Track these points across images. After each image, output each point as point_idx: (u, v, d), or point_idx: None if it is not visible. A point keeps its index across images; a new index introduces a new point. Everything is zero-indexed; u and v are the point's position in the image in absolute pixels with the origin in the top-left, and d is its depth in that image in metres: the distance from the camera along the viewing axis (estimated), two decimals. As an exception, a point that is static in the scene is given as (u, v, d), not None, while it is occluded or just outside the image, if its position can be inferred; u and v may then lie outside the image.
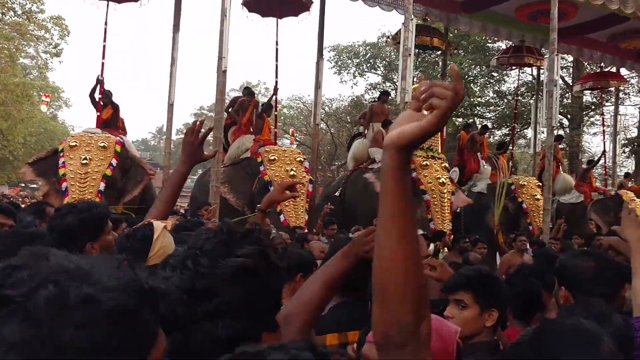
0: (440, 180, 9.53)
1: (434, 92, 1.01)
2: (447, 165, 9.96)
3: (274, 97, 11.56)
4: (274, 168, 9.03)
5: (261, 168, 9.00)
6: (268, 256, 1.10)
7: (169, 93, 10.50)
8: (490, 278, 1.94)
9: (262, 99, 20.91)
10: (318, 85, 11.81)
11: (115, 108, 9.78)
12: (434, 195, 9.44)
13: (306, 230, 8.41)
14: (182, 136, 2.54)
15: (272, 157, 9.03)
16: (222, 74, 8.59)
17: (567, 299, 1.92)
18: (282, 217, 8.68)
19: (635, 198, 11.76)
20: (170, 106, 10.52)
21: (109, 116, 9.61)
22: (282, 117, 32.38)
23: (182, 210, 11.85)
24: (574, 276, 1.92)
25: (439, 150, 10.19)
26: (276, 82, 11.14)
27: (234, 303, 1.02)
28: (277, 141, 11.48)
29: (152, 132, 62.42)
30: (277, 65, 11.06)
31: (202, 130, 2.41)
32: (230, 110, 10.94)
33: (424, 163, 9.57)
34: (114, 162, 8.25)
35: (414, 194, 9.22)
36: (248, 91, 11.17)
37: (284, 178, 8.86)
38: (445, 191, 9.54)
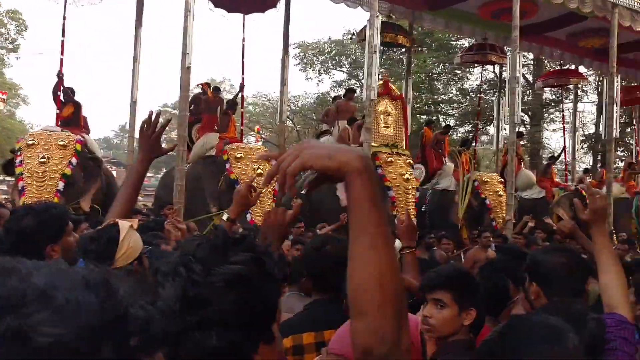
0: (405, 177, 9.61)
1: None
2: (411, 161, 10.05)
3: (240, 94, 11.45)
4: (241, 166, 8.94)
5: (227, 166, 8.90)
6: (263, 264, 1.04)
7: (131, 90, 10.28)
8: (469, 277, 1.94)
9: (227, 96, 20.71)
10: (284, 82, 11.75)
11: (77, 106, 9.54)
12: (399, 192, 9.51)
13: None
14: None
15: (239, 155, 8.94)
16: (186, 70, 8.45)
17: (538, 295, 1.93)
18: (248, 216, 8.61)
19: (594, 193, 12.08)
20: (134, 103, 10.31)
21: (70, 114, 9.36)
22: (247, 114, 32.15)
23: (144, 210, 11.64)
24: (545, 272, 1.93)
25: (404, 147, 10.26)
26: (242, 79, 11.06)
27: (226, 312, 0.97)
28: (243, 139, 11.39)
29: (115, 130, 61.09)
30: (243, 62, 10.97)
31: (160, 120, 2.27)
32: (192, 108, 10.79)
33: (389, 159, 9.63)
34: (73, 160, 8.05)
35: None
36: (215, 88, 11.02)
37: (251, 176, 8.79)
38: (409, 187, 9.62)
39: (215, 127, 10.28)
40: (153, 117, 2.25)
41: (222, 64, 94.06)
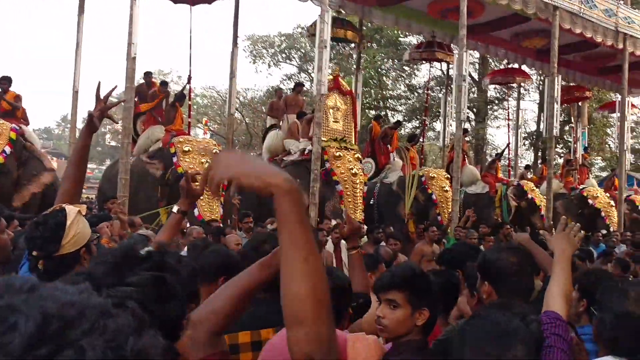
0: (353, 171, 9.65)
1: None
2: (359, 156, 10.11)
3: (187, 86, 11.22)
4: (188, 159, 8.75)
5: (174, 159, 8.70)
6: (164, 283, 0.99)
7: (73, 80, 9.91)
8: (423, 277, 1.93)
9: (175, 87, 20.24)
10: (232, 75, 11.60)
11: (16, 97, 9.12)
12: (347, 186, 9.55)
13: (221, 225, 8.25)
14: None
15: (186, 148, 8.74)
16: (131, 60, 8.21)
17: (490, 294, 1.95)
18: (196, 211, 8.47)
19: (534, 188, 12.51)
20: (75, 93, 9.94)
21: (7, 106, 8.92)
22: (195, 107, 31.60)
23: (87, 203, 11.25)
24: (497, 271, 1.95)
25: (353, 142, 10.31)
26: (190, 71, 10.86)
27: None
28: (191, 131, 11.17)
29: (57, 121, 58.98)
30: (190, 54, 10.76)
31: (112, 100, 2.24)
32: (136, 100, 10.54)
33: (337, 154, 9.65)
34: (7, 149, 7.72)
35: (327, 185, 9.34)
36: (163, 82, 10.81)
37: (199, 170, 8.65)
38: (357, 182, 9.68)
39: (160, 120, 10.06)
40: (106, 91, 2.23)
41: (172, 55, 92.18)
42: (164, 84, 10.72)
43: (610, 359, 1.78)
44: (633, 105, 17.57)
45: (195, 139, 9.73)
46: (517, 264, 1.95)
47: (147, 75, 10.78)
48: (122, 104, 6.67)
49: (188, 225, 7.17)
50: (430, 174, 11.60)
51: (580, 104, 18.07)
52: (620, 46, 13.30)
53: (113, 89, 2.41)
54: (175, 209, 2.31)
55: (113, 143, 44.30)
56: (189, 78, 10.98)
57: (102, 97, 2.26)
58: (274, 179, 1.04)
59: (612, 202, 13.45)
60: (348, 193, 9.54)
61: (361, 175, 9.87)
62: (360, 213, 9.53)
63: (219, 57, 71.51)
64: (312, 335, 1.02)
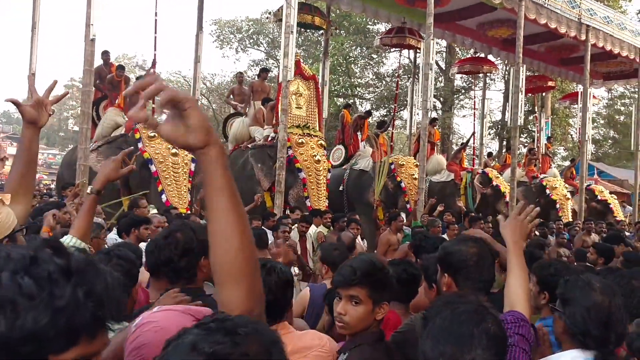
0: (316, 158, 9.55)
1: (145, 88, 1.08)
2: (323, 142, 10.01)
3: (152, 70, 10.94)
4: (155, 145, 8.54)
5: (139, 145, 8.47)
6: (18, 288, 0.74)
7: (30, 61, 9.56)
8: (384, 271, 1.90)
9: (139, 72, 19.76)
10: (197, 60, 11.37)
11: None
12: (310, 173, 9.45)
13: (189, 211, 8.10)
14: (50, 108, 2.19)
15: (152, 134, 8.51)
16: (90, 42, 7.92)
17: (450, 286, 1.93)
18: (164, 198, 8.31)
19: (499, 175, 12.67)
20: (32, 75, 9.58)
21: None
22: (160, 92, 30.98)
23: (45, 190, 10.96)
24: (457, 262, 1.93)
25: (317, 128, 10.21)
26: (154, 55, 10.58)
27: None
28: (155, 116, 10.89)
29: (14, 104, 57.37)
30: (155, 38, 10.48)
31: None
32: (97, 83, 10.24)
33: (300, 141, 9.53)
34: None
35: (290, 172, 9.25)
36: (119, 66, 10.48)
37: (165, 156, 8.47)
38: (321, 169, 9.59)
39: (118, 103, 9.81)
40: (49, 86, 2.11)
41: (137, 39, 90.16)
42: (121, 67, 10.42)
43: (576, 353, 1.79)
44: (594, 97, 17.96)
45: (160, 124, 9.50)
46: (476, 255, 1.93)
47: (105, 54, 10.42)
48: (81, 86, 6.42)
49: (153, 211, 7.03)
50: (400, 162, 11.63)
51: (544, 94, 18.37)
52: (583, 37, 13.52)
53: (53, 85, 2.26)
54: (88, 189, 2.18)
55: (76, 128, 43.28)
56: (154, 62, 10.71)
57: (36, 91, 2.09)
58: (210, 128, 1.06)
59: (569, 195, 13.74)
60: (311, 180, 9.44)
61: (325, 162, 9.76)
62: (324, 200, 9.48)
63: (185, 42, 70.26)
64: (251, 291, 1.04)
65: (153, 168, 8.39)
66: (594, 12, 13.79)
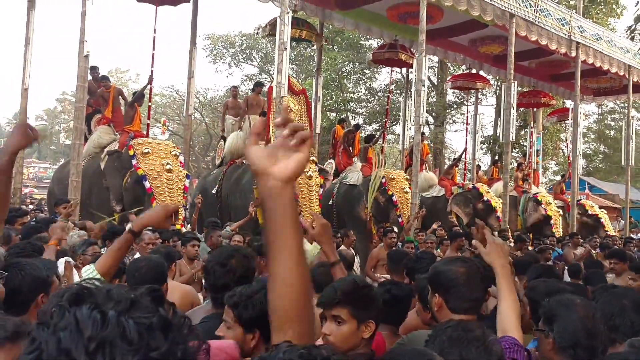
0: (308, 174, 9.55)
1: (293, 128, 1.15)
2: (315, 158, 10.02)
3: (148, 87, 10.85)
4: (148, 161, 8.47)
5: (133, 161, 8.43)
6: None
7: (23, 76, 9.57)
8: (366, 290, 1.91)
9: (133, 86, 19.72)
10: (191, 75, 11.39)
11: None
12: (302, 189, 9.44)
13: (183, 228, 8.05)
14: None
15: (146, 150, 8.47)
16: (83, 58, 7.96)
17: (441, 306, 1.94)
18: (147, 184, 8.23)
19: (489, 190, 12.72)
20: (25, 91, 9.60)
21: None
22: (154, 106, 31.05)
23: (31, 206, 10.93)
24: (447, 282, 1.94)
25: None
26: (152, 72, 10.51)
27: None
28: (149, 131, 10.84)
29: (7, 118, 57.11)
30: (153, 55, 10.44)
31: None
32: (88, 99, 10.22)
33: (291, 156, 9.53)
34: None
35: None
36: (103, 77, 10.44)
37: (159, 172, 8.37)
38: (312, 184, 9.58)
39: (111, 120, 9.81)
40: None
41: (129, 53, 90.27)
42: (105, 78, 10.38)
43: None
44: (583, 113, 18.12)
45: (154, 140, 9.45)
46: (465, 274, 1.94)
47: (94, 69, 10.34)
48: (74, 102, 6.42)
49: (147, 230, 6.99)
50: (391, 175, 11.62)
51: (535, 109, 18.53)
52: (573, 54, 13.69)
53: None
54: (127, 227, 2.19)
55: (68, 142, 43.12)
56: (151, 79, 10.57)
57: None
58: (299, 174, 1.13)
59: (560, 211, 13.82)
60: (303, 196, 9.43)
61: (317, 177, 9.75)
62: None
63: (178, 56, 70.41)
64: (303, 332, 1.09)
65: (147, 184, 8.26)
66: (584, 30, 13.98)
